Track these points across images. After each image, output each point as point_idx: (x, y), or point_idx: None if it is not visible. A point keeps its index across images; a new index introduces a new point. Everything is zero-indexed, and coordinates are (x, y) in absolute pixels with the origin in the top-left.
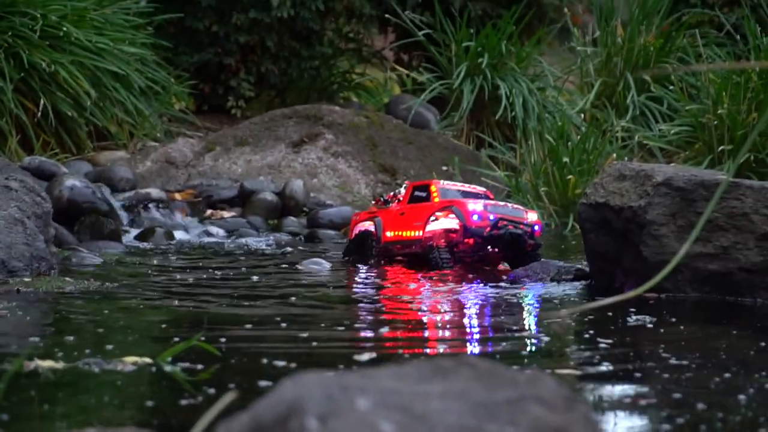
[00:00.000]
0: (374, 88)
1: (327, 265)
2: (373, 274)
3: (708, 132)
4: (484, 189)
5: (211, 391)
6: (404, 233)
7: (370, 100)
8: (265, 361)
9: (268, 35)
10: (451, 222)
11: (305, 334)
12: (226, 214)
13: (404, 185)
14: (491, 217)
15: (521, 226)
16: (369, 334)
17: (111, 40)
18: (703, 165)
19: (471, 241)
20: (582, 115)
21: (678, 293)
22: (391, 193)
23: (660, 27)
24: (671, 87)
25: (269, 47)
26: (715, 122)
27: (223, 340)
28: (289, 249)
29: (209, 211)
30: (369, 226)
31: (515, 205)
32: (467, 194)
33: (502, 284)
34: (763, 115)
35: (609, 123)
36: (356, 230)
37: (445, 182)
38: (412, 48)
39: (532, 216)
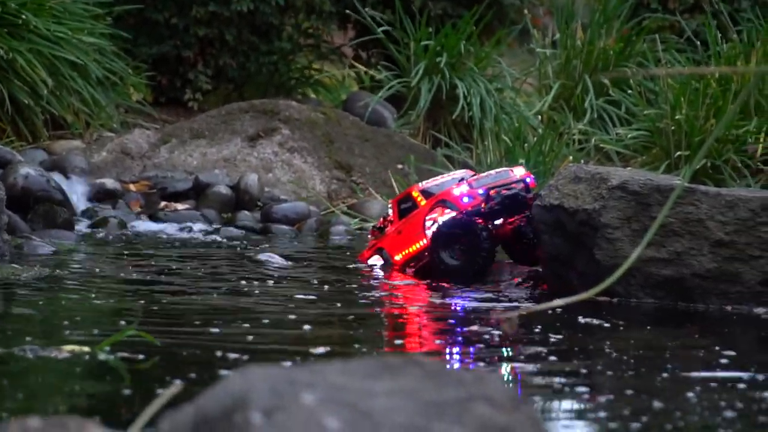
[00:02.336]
0: (332, 85)
1: (279, 259)
2: (326, 270)
3: (665, 137)
4: (463, 171)
5: (154, 382)
6: (410, 249)
7: (328, 96)
8: (212, 353)
9: (227, 29)
10: (447, 216)
11: (256, 327)
12: (180, 206)
13: (389, 206)
14: (480, 191)
15: (513, 185)
16: (323, 327)
17: (70, 30)
18: (660, 170)
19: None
20: (539, 117)
21: (630, 298)
22: (381, 219)
23: (620, 31)
24: (630, 91)
25: (228, 41)
26: (673, 128)
27: (168, 331)
28: (241, 242)
29: (163, 203)
30: (377, 260)
31: (498, 170)
32: (447, 185)
33: (456, 285)
34: (720, 121)
35: (566, 125)
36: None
37: (424, 182)
38: (371, 45)
39: (518, 171)
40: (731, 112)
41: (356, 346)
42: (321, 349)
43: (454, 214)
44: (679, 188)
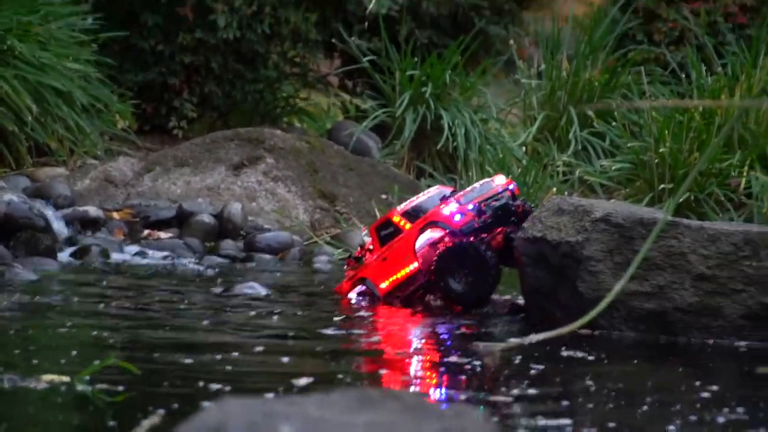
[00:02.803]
0: (318, 114)
1: (261, 289)
2: (309, 301)
3: (649, 170)
4: (437, 186)
5: (136, 412)
6: (398, 275)
7: (314, 125)
8: (194, 384)
9: (213, 57)
10: (434, 233)
11: (238, 357)
12: (163, 234)
13: (364, 234)
14: (470, 207)
15: (500, 195)
16: (305, 358)
17: (55, 56)
18: (644, 203)
19: (472, 239)
20: (524, 148)
21: (613, 330)
22: (358, 249)
23: (606, 62)
24: (614, 123)
25: (214, 69)
26: (657, 160)
27: (149, 361)
28: (224, 271)
29: (146, 231)
30: (360, 291)
31: (480, 182)
32: (427, 204)
33: (440, 316)
34: (703, 154)
35: (550, 157)
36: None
37: (402, 206)
38: (356, 74)
39: (500, 180)
40: (714, 146)
41: (340, 376)
42: (303, 381)
43: (440, 232)
44: (662, 221)
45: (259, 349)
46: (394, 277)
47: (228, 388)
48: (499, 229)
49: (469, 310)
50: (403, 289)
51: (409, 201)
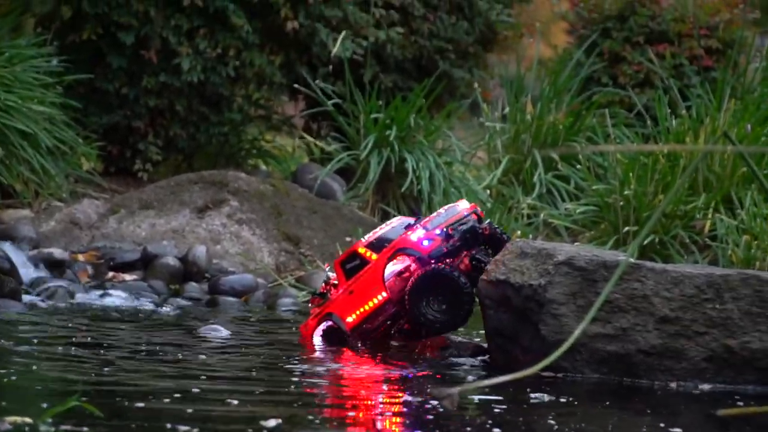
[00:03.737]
0: (282, 156)
1: (225, 331)
2: (272, 342)
3: (614, 212)
4: (398, 217)
5: None
6: (366, 306)
7: (279, 167)
8: (162, 425)
9: (177, 99)
10: (399, 263)
11: (203, 399)
12: (128, 277)
13: (328, 270)
14: (437, 232)
15: (465, 219)
16: (271, 400)
17: (20, 98)
18: (608, 245)
19: (440, 265)
20: (488, 191)
21: (576, 373)
22: (322, 285)
23: (570, 105)
24: (579, 166)
25: (178, 111)
26: (622, 203)
27: (114, 403)
28: (188, 314)
29: (111, 274)
30: (326, 327)
31: (445, 208)
32: (391, 235)
33: (398, 359)
34: (666, 196)
35: (515, 200)
36: (318, 338)
37: (365, 238)
38: (321, 117)
39: (463, 204)
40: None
41: (310, 418)
42: (272, 422)
43: (407, 260)
44: (624, 264)
45: (225, 390)
46: (362, 309)
47: (196, 431)
48: (465, 252)
49: (440, 335)
50: (371, 320)
51: (372, 232)
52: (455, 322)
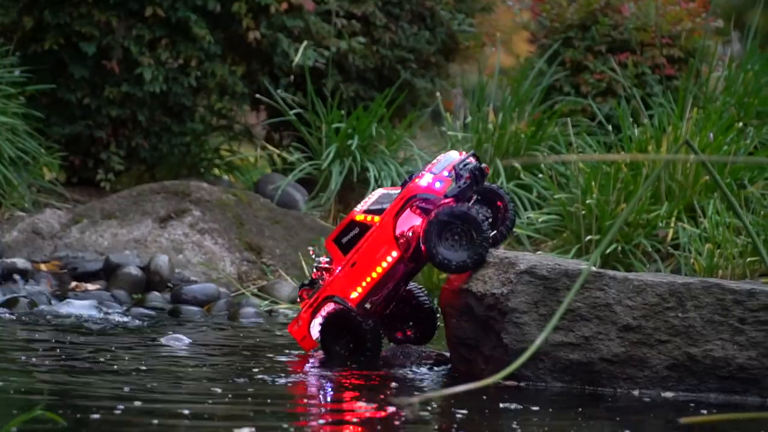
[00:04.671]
0: (245, 166)
1: (187, 340)
2: (234, 351)
3: (576, 221)
4: (380, 190)
5: None
6: (374, 273)
7: (241, 177)
8: None
9: (140, 110)
10: (414, 219)
11: (169, 407)
12: (90, 286)
13: (321, 258)
14: (445, 173)
15: (468, 160)
16: (239, 407)
17: None
18: (571, 254)
19: (452, 200)
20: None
21: (539, 382)
22: (315, 272)
23: (532, 114)
24: (541, 175)
25: (141, 122)
26: (584, 212)
27: (79, 412)
28: (150, 324)
29: (74, 283)
30: (327, 308)
31: (441, 155)
32: (384, 200)
33: (361, 367)
34: (628, 205)
35: None
36: (316, 330)
37: (359, 206)
38: (283, 127)
39: (454, 153)
40: (639, 197)
41: (284, 426)
42: (246, 430)
43: (419, 219)
44: (585, 272)
45: (190, 399)
46: (369, 279)
47: None
48: (473, 193)
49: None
50: (379, 289)
51: (363, 202)
52: (470, 259)
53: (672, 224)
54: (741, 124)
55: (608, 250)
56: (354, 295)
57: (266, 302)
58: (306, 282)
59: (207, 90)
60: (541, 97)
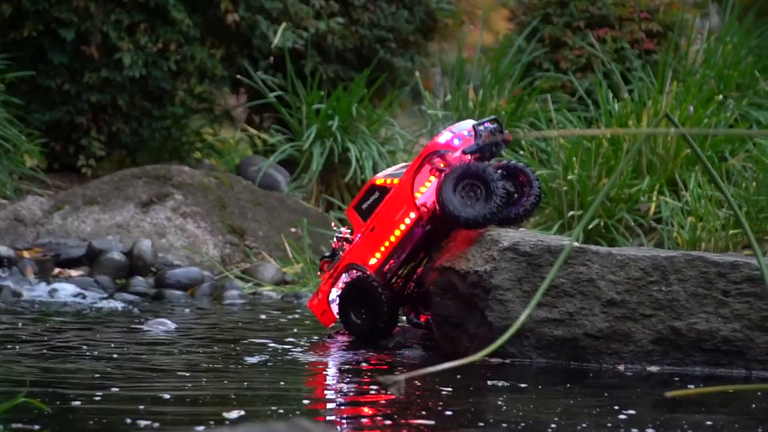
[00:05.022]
0: (226, 149)
1: (172, 325)
2: (220, 334)
3: (558, 197)
4: (401, 164)
5: None
6: (393, 237)
7: (222, 160)
8: (121, 420)
9: (119, 95)
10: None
11: (156, 393)
12: (73, 272)
13: (336, 231)
14: (465, 132)
15: (485, 123)
16: (228, 391)
17: None
18: (553, 230)
19: (467, 157)
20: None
21: (524, 359)
22: (334, 243)
23: (512, 91)
24: (522, 152)
25: (121, 107)
26: (565, 188)
27: (65, 399)
28: (135, 308)
29: (57, 270)
30: (346, 277)
31: (456, 124)
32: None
33: (346, 346)
34: (609, 180)
35: None
36: (334, 302)
37: (379, 174)
38: (263, 109)
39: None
40: (619, 171)
41: (274, 408)
42: (235, 414)
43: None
44: (568, 248)
45: (177, 383)
46: (387, 243)
47: (156, 425)
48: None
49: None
50: (397, 254)
51: (382, 173)
52: (492, 215)
53: (654, 198)
54: (721, 96)
55: (591, 226)
56: (373, 261)
57: (250, 284)
58: (327, 254)
59: (187, 74)
60: (520, 74)
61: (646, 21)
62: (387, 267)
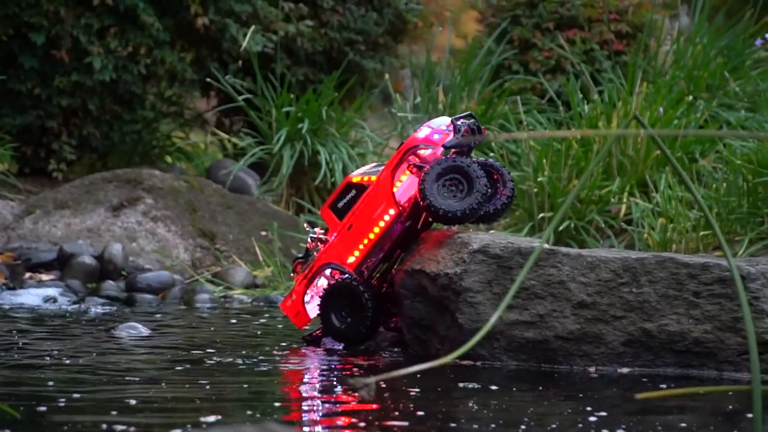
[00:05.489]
0: (196, 153)
1: (142, 329)
2: (192, 337)
3: (528, 199)
4: (373, 164)
5: None
6: (371, 234)
7: (192, 164)
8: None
9: (90, 99)
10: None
11: (132, 397)
12: (45, 277)
13: (309, 232)
14: (443, 127)
15: (462, 119)
16: (201, 395)
17: None
18: (523, 232)
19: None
20: None
21: (495, 361)
22: (309, 243)
23: (482, 93)
24: (492, 154)
25: (91, 111)
26: (536, 189)
27: (36, 404)
28: (106, 312)
29: (28, 274)
30: (323, 276)
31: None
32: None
33: (318, 349)
34: (579, 181)
35: None
36: (313, 305)
37: (355, 172)
38: (233, 113)
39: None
40: (589, 173)
41: (249, 413)
42: (212, 418)
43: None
44: (538, 249)
45: (150, 387)
46: (366, 241)
47: (132, 429)
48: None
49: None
50: (375, 252)
51: (357, 171)
52: (471, 210)
53: (624, 200)
54: (691, 97)
55: (561, 228)
56: (351, 259)
57: (220, 288)
58: (300, 255)
59: (157, 77)
60: (490, 76)
61: (616, 22)
62: (365, 266)
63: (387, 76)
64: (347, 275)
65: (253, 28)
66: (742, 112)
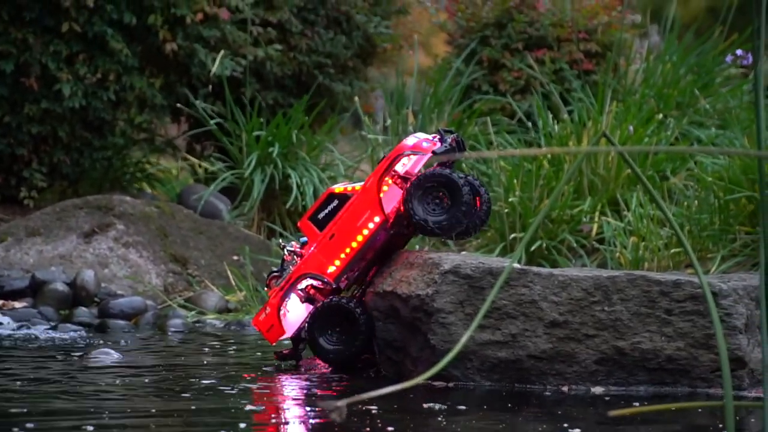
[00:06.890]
0: (167, 178)
1: (116, 354)
2: (165, 362)
3: (499, 219)
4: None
5: None
6: (354, 243)
7: (163, 189)
8: None
9: (60, 126)
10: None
11: (107, 423)
12: (17, 304)
13: (281, 244)
14: (430, 136)
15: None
16: (177, 419)
17: None
18: (495, 253)
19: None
20: None
21: (467, 381)
22: (286, 256)
23: (452, 114)
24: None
25: (61, 138)
26: (507, 210)
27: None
28: (78, 339)
29: (1, 302)
30: (300, 288)
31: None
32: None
33: (290, 371)
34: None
35: None
36: (296, 325)
37: (336, 186)
38: (204, 137)
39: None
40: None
41: None
42: None
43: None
44: (508, 269)
45: (123, 412)
46: (348, 249)
47: None
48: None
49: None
50: (358, 261)
51: (339, 185)
52: (456, 223)
53: (596, 219)
54: (661, 115)
55: (533, 248)
56: (332, 269)
57: (193, 313)
58: (275, 269)
59: (126, 103)
60: (459, 97)
61: (585, 41)
62: (346, 276)
63: (357, 98)
64: (329, 285)
65: (222, 53)
66: (712, 129)
